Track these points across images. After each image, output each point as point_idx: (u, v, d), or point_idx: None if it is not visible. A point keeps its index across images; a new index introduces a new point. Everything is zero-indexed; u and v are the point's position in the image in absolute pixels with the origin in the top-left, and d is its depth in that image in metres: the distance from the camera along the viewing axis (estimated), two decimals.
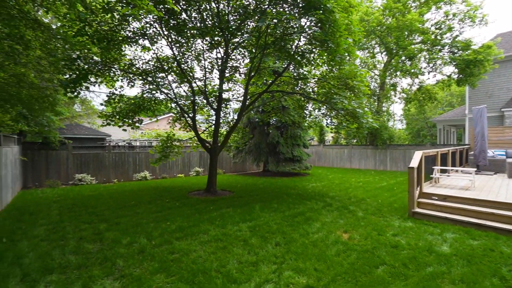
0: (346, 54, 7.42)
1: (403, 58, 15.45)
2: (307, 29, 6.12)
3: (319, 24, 6.20)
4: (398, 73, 16.79)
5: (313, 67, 9.82)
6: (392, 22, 14.94)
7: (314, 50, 7.44)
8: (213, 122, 12.22)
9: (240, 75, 10.56)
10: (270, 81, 11.28)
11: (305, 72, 10.10)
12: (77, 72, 7.65)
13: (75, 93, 7.91)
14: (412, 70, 15.41)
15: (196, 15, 8.57)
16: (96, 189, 10.11)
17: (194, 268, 3.61)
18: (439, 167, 8.01)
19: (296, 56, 7.18)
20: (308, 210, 6.98)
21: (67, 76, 7.93)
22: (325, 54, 7.39)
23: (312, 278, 3.43)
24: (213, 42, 8.79)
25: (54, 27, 7.35)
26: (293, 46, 7.86)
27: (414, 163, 6.37)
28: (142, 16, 7.36)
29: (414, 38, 15.77)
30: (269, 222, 5.84)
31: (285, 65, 9.73)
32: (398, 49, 14.93)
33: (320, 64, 8.80)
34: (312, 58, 8.47)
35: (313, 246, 4.50)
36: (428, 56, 15.19)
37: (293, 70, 10.27)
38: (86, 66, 7.84)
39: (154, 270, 3.59)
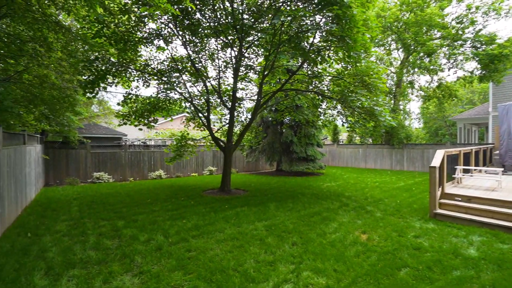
0: (363, 50, 7.23)
1: (422, 54, 14.91)
2: (323, 26, 5.99)
3: (336, 20, 6.06)
4: (416, 70, 16.24)
5: (328, 65, 9.65)
6: (410, 17, 14.45)
7: (330, 47, 7.28)
8: (227, 121, 12.28)
9: (255, 73, 10.50)
10: (284, 80, 11.21)
11: (319, 70, 9.93)
12: (95, 73, 7.85)
13: (93, 93, 8.13)
14: (431, 67, 14.85)
15: (210, 14, 8.60)
16: (113, 187, 10.35)
17: (212, 267, 3.60)
18: (462, 167, 7.66)
19: (311, 54, 7.05)
20: (324, 210, 6.85)
21: (86, 77, 8.15)
22: (342, 50, 7.23)
23: (331, 279, 3.34)
24: (227, 41, 8.80)
25: (73, 30, 7.56)
26: (308, 44, 7.74)
27: (436, 162, 6.12)
28: (159, 16, 7.43)
29: (433, 34, 15.20)
30: (285, 221, 5.77)
31: (299, 63, 9.61)
32: (416, 45, 14.42)
33: (336, 61, 8.64)
34: (327, 55, 8.34)
35: (331, 246, 4.39)
36: (448, 52, 14.59)
37: (307, 68, 10.13)
38: (104, 67, 8.02)
39: (172, 267, 3.60)
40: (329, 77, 9.69)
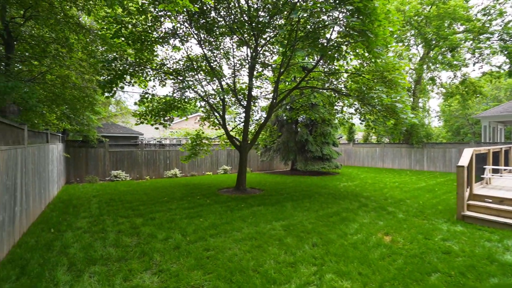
0: (383, 45, 6.95)
1: (444, 49, 14.24)
2: (343, 19, 5.78)
3: (356, 14, 5.84)
4: (438, 66, 15.55)
5: (345, 62, 9.40)
6: (432, 11, 13.84)
7: (349, 42, 7.04)
8: (241, 120, 12.22)
9: (270, 71, 10.37)
10: (299, 78, 11.01)
11: (336, 67, 9.68)
12: (114, 73, 8.00)
13: (112, 93, 8.29)
14: (455, 62, 14.16)
15: (225, 13, 8.55)
16: (131, 185, 10.53)
17: (231, 267, 3.52)
18: (491, 167, 7.22)
19: (330, 50, 6.84)
20: (342, 210, 6.64)
21: (104, 77, 8.33)
22: (362, 46, 7.00)
23: (356, 283, 3.18)
24: (242, 39, 8.73)
25: (93, 31, 7.72)
26: (326, 40, 7.54)
27: (464, 161, 5.78)
28: (177, 12, 7.44)
29: (456, 28, 14.50)
30: (303, 221, 5.62)
31: (316, 60, 9.41)
32: (438, 39, 13.78)
33: (354, 57, 8.38)
34: (345, 51, 8.12)
35: (353, 248, 4.22)
36: (473, 46, 13.86)
37: (323, 66, 9.90)
38: (122, 67, 8.15)
39: (191, 266, 3.55)
40: (347, 74, 9.43)
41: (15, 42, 6.50)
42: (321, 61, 9.21)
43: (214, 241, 4.44)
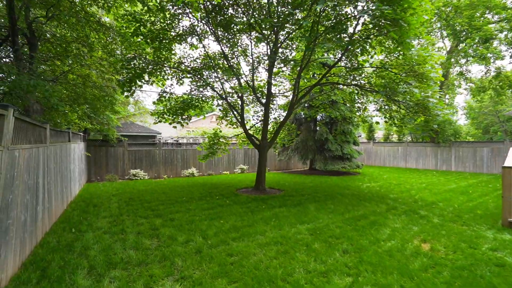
0: (415, 36, 6.43)
1: (476, 40, 13.24)
2: (372, 6, 5.35)
3: (386, 2, 5.39)
4: (470, 59, 14.53)
5: (370, 56, 8.91)
6: (462, 0, 12.91)
7: (379, 32, 6.56)
8: (259, 119, 11.95)
9: (289, 68, 10.02)
10: (319, 74, 10.59)
11: (360, 62, 9.18)
12: (133, 72, 7.98)
13: (131, 92, 8.28)
14: (489, 55, 13.15)
15: (244, 9, 8.30)
16: (149, 184, 10.54)
17: (258, 275, 3.25)
18: None
19: (357, 42, 6.41)
20: (370, 213, 6.22)
21: (124, 77, 8.34)
22: (393, 36, 6.53)
23: None
24: (261, 34, 8.45)
25: (113, 29, 7.71)
26: (351, 32, 7.11)
27: (511, 161, 5.20)
28: (198, 4, 7.26)
29: (488, 18, 13.46)
30: (329, 225, 5.28)
31: (338, 56, 8.97)
32: (470, 30, 12.84)
33: (379, 51, 7.89)
34: (369, 44, 7.66)
35: (389, 256, 3.83)
36: (510, 37, 12.81)
37: (345, 61, 9.41)
38: (141, 66, 8.12)
39: (215, 273, 3.32)
40: (372, 69, 8.92)
41: (38, 42, 6.57)
42: (344, 56, 8.75)
43: (237, 246, 4.20)
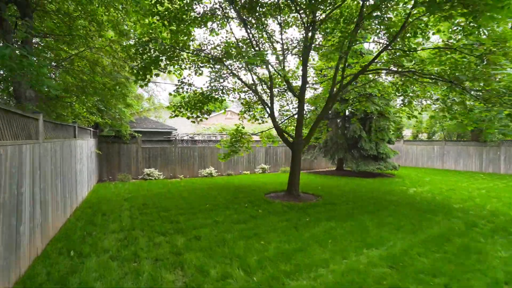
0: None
1: None
2: None
3: None
4: None
5: (426, 38, 7.43)
6: None
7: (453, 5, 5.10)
8: (288, 114, 10.63)
9: (325, 57, 8.61)
10: (356, 63, 9.11)
11: (412, 45, 7.68)
12: (148, 58, 6.87)
13: (146, 81, 7.18)
14: None
15: None
16: (165, 185, 9.45)
17: None
18: None
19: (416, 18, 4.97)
20: (448, 231, 4.81)
21: (137, 64, 7.25)
22: (465, 10, 5.08)
23: None
24: (296, 15, 7.12)
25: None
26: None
27: None
28: None
29: None
30: (407, 250, 3.92)
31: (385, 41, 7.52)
32: None
33: (448, 27, 6.41)
34: (425, 23, 6.29)
35: None
36: None
37: (400, 43, 7.90)
38: (158, 50, 6.98)
39: None
40: (425, 53, 7.43)
41: (32, 13, 5.39)
42: (398, 38, 7.27)
43: (295, 287, 2.93)
